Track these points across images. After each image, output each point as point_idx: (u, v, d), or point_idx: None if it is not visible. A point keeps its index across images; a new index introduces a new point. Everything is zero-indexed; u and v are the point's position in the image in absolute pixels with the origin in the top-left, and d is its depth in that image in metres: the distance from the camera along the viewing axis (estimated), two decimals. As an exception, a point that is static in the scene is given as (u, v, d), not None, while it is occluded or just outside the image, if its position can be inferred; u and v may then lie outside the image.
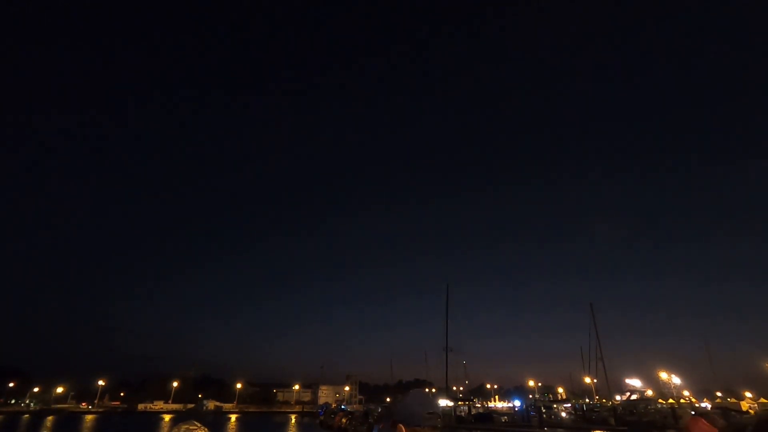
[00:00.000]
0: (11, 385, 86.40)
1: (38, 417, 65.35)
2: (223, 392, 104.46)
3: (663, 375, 61.20)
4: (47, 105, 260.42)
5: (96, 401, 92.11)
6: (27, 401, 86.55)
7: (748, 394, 63.49)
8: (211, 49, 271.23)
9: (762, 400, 56.33)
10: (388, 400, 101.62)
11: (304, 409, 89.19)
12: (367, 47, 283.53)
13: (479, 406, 67.22)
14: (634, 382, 56.09)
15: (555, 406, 49.10)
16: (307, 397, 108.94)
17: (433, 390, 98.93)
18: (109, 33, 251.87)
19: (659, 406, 40.77)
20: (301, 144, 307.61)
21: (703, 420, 2.44)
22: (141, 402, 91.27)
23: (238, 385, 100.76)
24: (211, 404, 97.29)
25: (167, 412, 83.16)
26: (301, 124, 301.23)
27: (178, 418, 66.63)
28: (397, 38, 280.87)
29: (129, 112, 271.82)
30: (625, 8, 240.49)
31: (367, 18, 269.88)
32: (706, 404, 57.30)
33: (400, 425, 1.37)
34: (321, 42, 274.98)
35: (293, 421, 61.21)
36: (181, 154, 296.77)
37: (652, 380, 60.92)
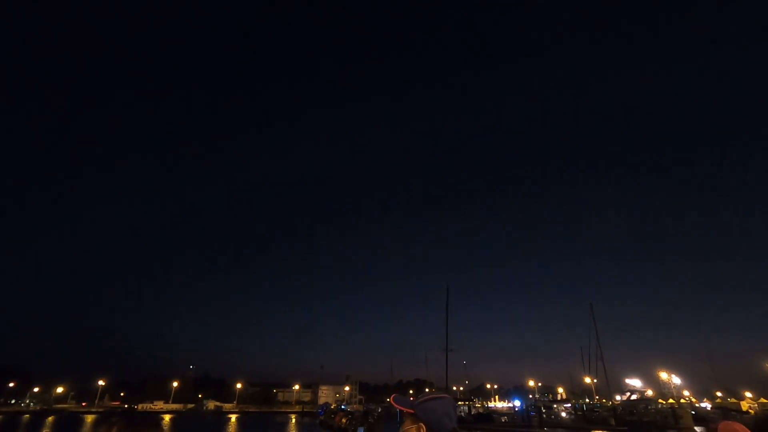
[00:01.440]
0: (11, 385, 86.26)
1: (38, 417, 65.29)
2: (223, 392, 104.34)
3: (663, 375, 61.13)
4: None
5: (96, 401, 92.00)
6: (27, 401, 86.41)
7: (748, 394, 63.43)
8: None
9: (762, 400, 56.25)
10: (388, 399, 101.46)
11: (304, 409, 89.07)
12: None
13: (479, 406, 67.21)
14: (634, 382, 56.05)
15: (555, 406, 49.03)
16: (307, 397, 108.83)
17: (433, 390, 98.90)
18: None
19: (659, 406, 40.75)
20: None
21: (737, 424, 2.34)
22: (141, 402, 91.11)
23: (238, 385, 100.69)
24: (211, 404, 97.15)
25: (167, 412, 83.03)
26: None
27: (179, 418, 66.61)
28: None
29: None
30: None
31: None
32: (706, 404, 57.31)
33: (422, 425, 1.29)
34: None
35: (293, 421, 61.15)
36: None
37: (652, 380, 60.90)
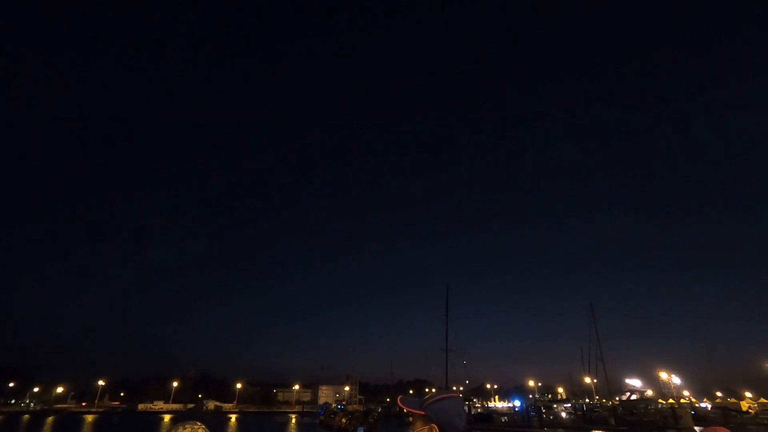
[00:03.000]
0: (11, 385, 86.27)
1: (38, 417, 65.28)
2: (223, 392, 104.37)
3: (663, 375, 61.12)
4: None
5: (96, 401, 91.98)
6: (27, 401, 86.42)
7: (748, 394, 63.46)
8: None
9: (762, 400, 56.33)
10: (388, 400, 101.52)
11: (304, 409, 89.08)
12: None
13: (479, 406, 67.19)
14: (634, 382, 56.06)
15: (555, 406, 48.99)
16: (307, 397, 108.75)
17: (433, 390, 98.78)
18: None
19: (659, 406, 40.72)
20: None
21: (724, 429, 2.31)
22: (141, 402, 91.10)
23: (238, 385, 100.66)
24: (211, 404, 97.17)
25: (167, 412, 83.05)
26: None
27: (179, 418, 66.46)
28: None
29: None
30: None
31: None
32: (706, 404, 57.31)
33: (434, 426, 1.25)
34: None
35: (293, 421, 61.14)
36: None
37: (652, 380, 60.88)
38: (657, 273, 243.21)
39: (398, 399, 1.65)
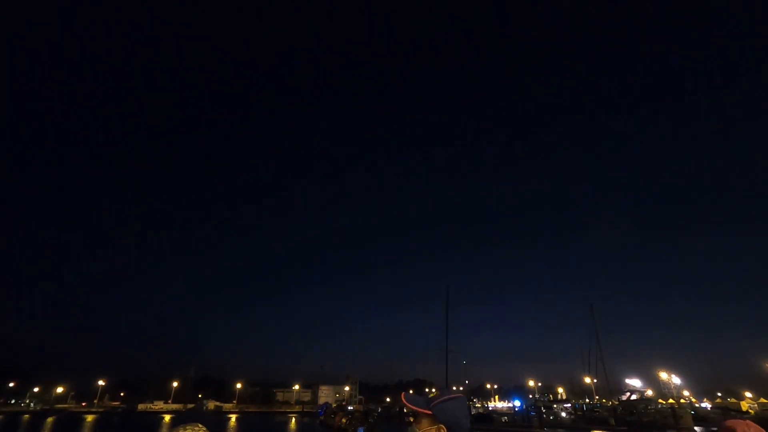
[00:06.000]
0: (11, 385, 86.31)
1: (38, 417, 65.26)
2: (223, 392, 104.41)
3: (663, 375, 61.12)
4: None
5: (96, 401, 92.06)
6: (27, 401, 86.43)
7: (748, 394, 63.48)
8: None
9: (762, 400, 56.24)
10: (388, 399, 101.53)
11: (304, 409, 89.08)
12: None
13: (479, 406, 67.18)
14: (634, 382, 55.99)
15: (555, 406, 48.99)
16: (307, 397, 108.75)
17: (433, 390, 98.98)
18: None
19: (659, 406, 40.71)
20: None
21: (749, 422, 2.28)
22: (141, 402, 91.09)
23: (238, 385, 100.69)
24: (211, 404, 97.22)
25: (167, 412, 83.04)
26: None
27: (178, 418, 66.54)
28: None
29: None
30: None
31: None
32: (706, 404, 57.32)
33: (442, 426, 1.24)
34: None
35: (293, 421, 61.12)
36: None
37: (652, 380, 60.87)
38: (657, 273, 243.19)
39: (401, 395, 1.63)
